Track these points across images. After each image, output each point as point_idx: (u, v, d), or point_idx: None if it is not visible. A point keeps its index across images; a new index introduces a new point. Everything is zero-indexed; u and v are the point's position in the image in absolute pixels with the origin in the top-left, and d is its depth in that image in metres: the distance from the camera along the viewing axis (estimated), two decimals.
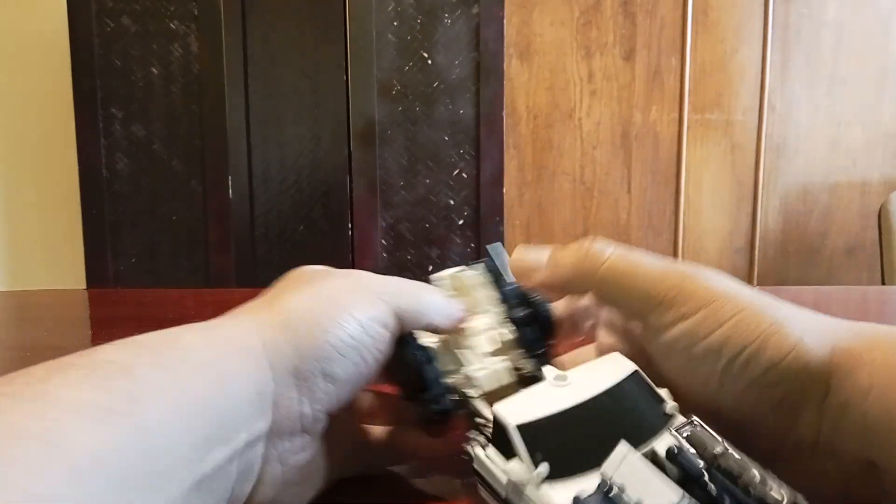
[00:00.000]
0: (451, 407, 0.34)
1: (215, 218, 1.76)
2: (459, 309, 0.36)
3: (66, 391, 0.23)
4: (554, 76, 2.12)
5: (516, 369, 0.35)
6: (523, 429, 0.28)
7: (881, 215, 1.72)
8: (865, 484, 0.28)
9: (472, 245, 1.82)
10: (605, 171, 2.16)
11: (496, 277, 0.38)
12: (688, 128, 2.15)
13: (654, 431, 0.28)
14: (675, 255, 2.18)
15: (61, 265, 2.12)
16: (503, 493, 0.29)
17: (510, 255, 0.38)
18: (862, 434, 0.27)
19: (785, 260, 2.19)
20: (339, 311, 0.32)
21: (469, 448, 0.31)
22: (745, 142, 2.18)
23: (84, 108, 1.73)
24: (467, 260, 0.40)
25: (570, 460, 0.27)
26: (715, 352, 0.29)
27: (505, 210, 1.90)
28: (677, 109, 2.14)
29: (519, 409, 0.29)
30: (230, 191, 1.76)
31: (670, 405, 0.30)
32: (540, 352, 0.35)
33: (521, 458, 0.27)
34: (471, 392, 0.34)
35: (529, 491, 0.27)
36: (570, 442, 0.28)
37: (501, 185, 1.83)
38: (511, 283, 0.37)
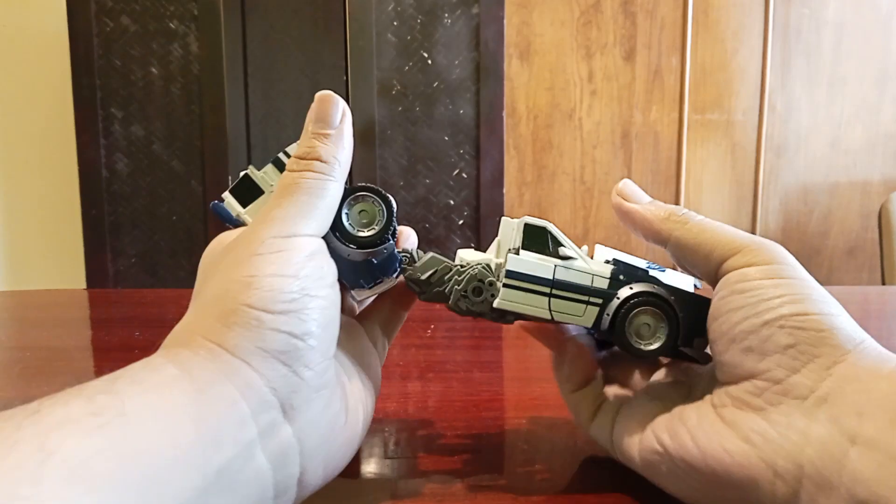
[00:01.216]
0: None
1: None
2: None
3: (56, 409, 0.24)
4: (554, 76, 2.12)
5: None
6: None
7: (881, 215, 1.72)
8: (826, 450, 0.29)
9: (472, 245, 1.82)
10: (605, 171, 2.16)
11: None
12: (688, 128, 2.15)
13: None
14: None
15: (61, 265, 2.12)
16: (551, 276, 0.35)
17: None
18: (856, 408, 0.29)
19: None
20: (250, 280, 0.31)
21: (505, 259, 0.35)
22: (746, 142, 2.18)
23: (84, 108, 1.73)
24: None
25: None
26: (758, 291, 0.32)
27: (505, 210, 1.90)
28: (677, 109, 2.14)
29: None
30: None
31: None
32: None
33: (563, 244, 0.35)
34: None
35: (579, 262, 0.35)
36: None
37: (501, 185, 1.83)
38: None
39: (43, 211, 2.14)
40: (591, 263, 0.35)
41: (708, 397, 0.34)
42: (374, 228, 0.36)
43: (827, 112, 2.18)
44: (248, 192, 0.37)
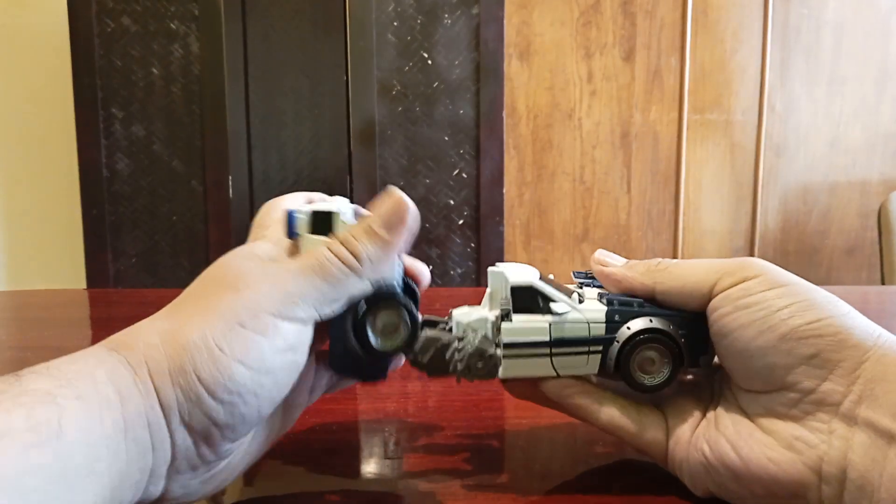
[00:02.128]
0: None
1: (216, 218, 1.76)
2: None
3: None
4: (554, 76, 2.12)
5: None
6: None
7: (881, 215, 1.72)
8: (868, 454, 0.29)
9: (472, 245, 1.82)
10: (604, 171, 2.16)
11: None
12: (687, 128, 2.15)
13: None
14: (674, 255, 2.18)
15: (61, 265, 2.12)
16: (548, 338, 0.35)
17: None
18: (891, 410, 0.29)
19: (784, 260, 2.19)
20: (221, 353, 0.30)
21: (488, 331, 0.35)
22: (745, 142, 2.18)
23: (84, 109, 1.73)
24: (467, 259, 0.41)
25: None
26: (763, 304, 0.32)
27: (505, 210, 1.90)
28: (677, 109, 2.14)
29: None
30: (230, 191, 1.76)
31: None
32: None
33: (556, 298, 0.35)
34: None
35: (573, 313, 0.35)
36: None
37: (501, 185, 1.83)
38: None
39: (44, 211, 2.15)
40: (584, 310, 0.35)
41: (737, 403, 0.34)
42: (393, 340, 0.35)
43: (826, 112, 2.18)
44: (321, 225, 0.35)
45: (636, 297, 0.36)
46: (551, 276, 0.39)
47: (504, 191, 1.84)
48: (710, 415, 0.35)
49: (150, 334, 0.30)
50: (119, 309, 0.78)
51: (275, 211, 0.40)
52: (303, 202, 0.40)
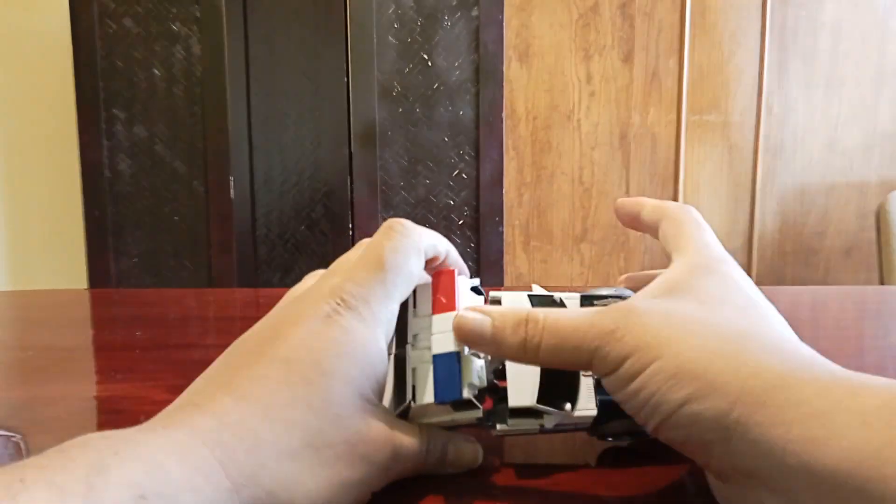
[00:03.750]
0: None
1: (217, 218, 1.77)
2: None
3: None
4: (553, 78, 2.13)
5: None
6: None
7: (879, 216, 1.72)
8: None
9: (472, 245, 1.82)
10: (603, 172, 2.16)
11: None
12: (686, 129, 2.15)
13: None
14: None
15: (63, 265, 2.12)
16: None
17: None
18: (766, 468, 0.28)
19: (782, 260, 2.19)
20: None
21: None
22: (743, 143, 2.18)
23: (86, 110, 1.74)
24: (467, 260, 0.41)
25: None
26: (631, 398, 0.31)
27: (504, 210, 1.90)
28: (675, 111, 2.15)
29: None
30: (232, 192, 1.76)
31: None
32: None
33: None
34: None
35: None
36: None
37: (501, 186, 1.84)
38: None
39: (46, 211, 2.15)
40: (576, 415, 0.35)
41: None
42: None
43: (824, 113, 2.18)
44: (463, 405, 0.35)
45: None
46: (557, 295, 0.39)
47: (503, 192, 1.84)
48: None
49: (278, 486, 0.29)
50: (121, 309, 0.79)
51: (403, 257, 0.36)
52: (429, 249, 0.38)
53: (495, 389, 0.36)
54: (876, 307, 0.79)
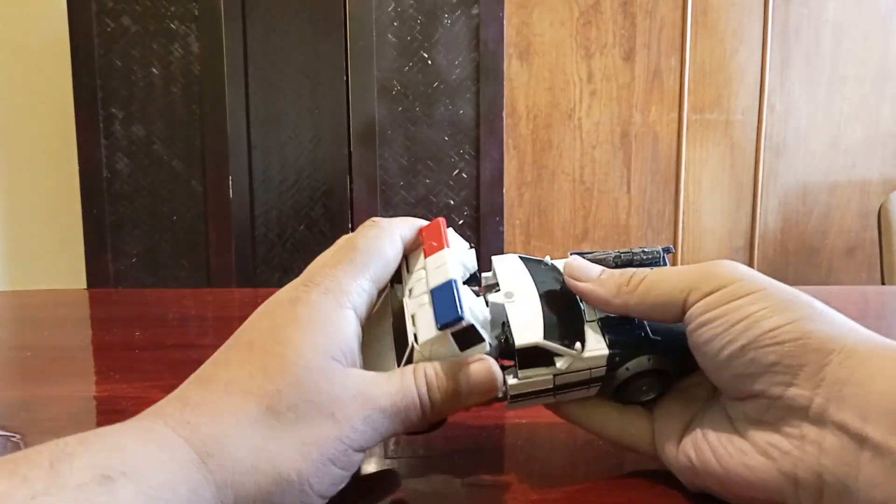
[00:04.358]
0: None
1: (216, 218, 1.76)
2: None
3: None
4: (554, 76, 2.12)
5: None
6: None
7: (881, 215, 1.72)
8: (840, 458, 0.29)
9: (472, 245, 1.82)
10: (604, 171, 2.16)
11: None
12: (687, 128, 2.15)
13: None
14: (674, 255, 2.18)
15: (62, 265, 2.12)
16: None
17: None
18: (859, 412, 0.29)
19: (784, 260, 2.19)
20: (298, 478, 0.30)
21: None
22: (745, 142, 2.18)
23: (84, 108, 1.73)
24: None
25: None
26: (726, 316, 0.32)
27: (505, 210, 1.90)
28: (677, 109, 2.14)
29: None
30: (231, 191, 1.76)
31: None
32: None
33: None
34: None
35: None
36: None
37: (501, 185, 1.83)
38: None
39: (44, 211, 2.15)
40: (586, 357, 0.35)
41: (722, 408, 0.34)
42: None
43: (826, 112, 2.18)
44: (468, 338, 0.34)
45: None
46: (548, 259, 0.40)
47: (504, 191, 1.84)
48: (699, 417, 0.35)
49: (241, 451, 0.29)
50: (119, 309, 0.78)
51: (375, 240, 0.37)
52: (412, 231, 0.39)
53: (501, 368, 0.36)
54: (877, 307, 0.79)
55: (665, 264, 0.37)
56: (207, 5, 1.70)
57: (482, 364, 0.34)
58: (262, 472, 0.29)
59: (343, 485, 0.32)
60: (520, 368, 0.35)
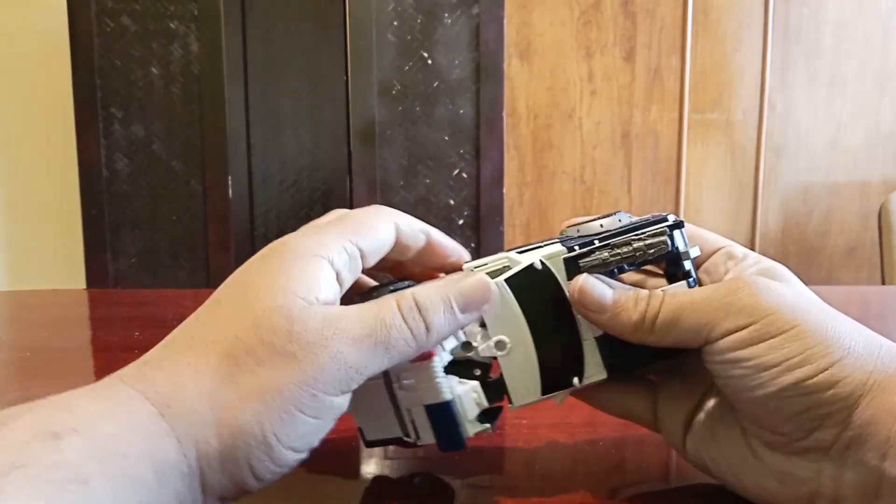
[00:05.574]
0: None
1: (215, 218, 1.76)
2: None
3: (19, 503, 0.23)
4: (554, 76, 2.12)
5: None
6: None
7: (881, 215, 1.72)
8: (859, 491, 0.29)
9: (472, 245, 1.82)
10: (605, 171, 2.16)
11: None
12: (688, 128, 2.15)
13: None
14: None
15: (61, 265, 2.12)
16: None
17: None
18: (879, 450, 0.29)
19: (785, 260, 2.17)
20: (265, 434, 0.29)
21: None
22: (746, 142, 2.18)
23: (84, 108, 1.73)
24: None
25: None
26: (753, 360, 0.30)
27: (505, 210, 1.90)
28: (677, 109, 2.14)
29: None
30: (230, 191, 1.76)
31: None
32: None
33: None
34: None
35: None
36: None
37: (501, 185, 1.83)
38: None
39: (43, 211, 2.15)
40: (587, 374, 0.35)
41: (732, 411, 0.33)
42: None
43: (827, 112, 2.18)
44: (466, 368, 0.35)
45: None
46: (537, 262, 0.36)
47: (504, 191, 1.84)
48: (706, 406, 0.35)
49: (199, 402, 0.28)
50: (119, 309, 0.78)
51: (368, 213, 0.35)
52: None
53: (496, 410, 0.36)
54: (878, 307, 0.79)
55: (675, 248, 0.34)
56: (207, 5, 1.70)
57: (473, 279, 0.33)
58: (223, 423, 0.28)
59: (321, 436, 0.30)
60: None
